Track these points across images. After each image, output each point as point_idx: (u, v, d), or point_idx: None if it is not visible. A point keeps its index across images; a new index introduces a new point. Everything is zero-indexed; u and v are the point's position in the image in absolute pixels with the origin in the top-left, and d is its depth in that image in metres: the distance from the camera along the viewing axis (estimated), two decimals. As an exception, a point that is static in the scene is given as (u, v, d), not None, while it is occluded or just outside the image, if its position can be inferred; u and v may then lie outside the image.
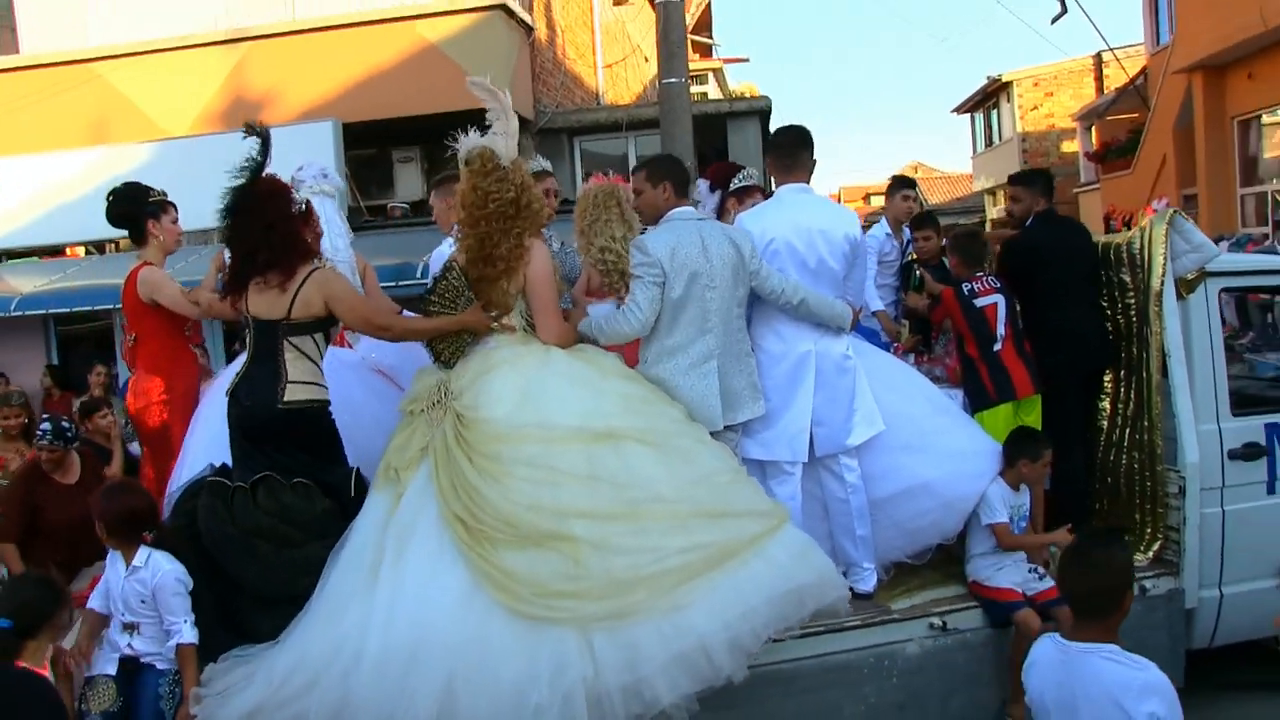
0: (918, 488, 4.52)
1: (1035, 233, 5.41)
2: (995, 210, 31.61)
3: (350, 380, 4.70)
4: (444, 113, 11.49)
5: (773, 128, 14.10)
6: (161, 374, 4.88)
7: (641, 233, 4.55)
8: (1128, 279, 5.07)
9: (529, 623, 3.36)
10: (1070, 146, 27.89)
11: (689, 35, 24.41)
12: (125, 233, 5.12)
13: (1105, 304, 5.22)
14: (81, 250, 13.08)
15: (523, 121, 12.41)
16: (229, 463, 4.17)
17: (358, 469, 4.15)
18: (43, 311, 10.55)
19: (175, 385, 4.90)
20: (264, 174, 4.12)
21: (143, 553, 3.91)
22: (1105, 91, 25.41)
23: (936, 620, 4.46)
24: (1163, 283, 4.84)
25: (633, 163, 12.74)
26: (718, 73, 26.54)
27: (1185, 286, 4.95)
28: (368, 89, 11.61)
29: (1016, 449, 4.64)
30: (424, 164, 12.75)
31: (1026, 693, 3.20)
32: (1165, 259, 4.84)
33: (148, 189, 4.97)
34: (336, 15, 11.96)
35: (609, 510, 3.60)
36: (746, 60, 40.60)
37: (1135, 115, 21.55)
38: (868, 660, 4.31)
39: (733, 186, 5.46)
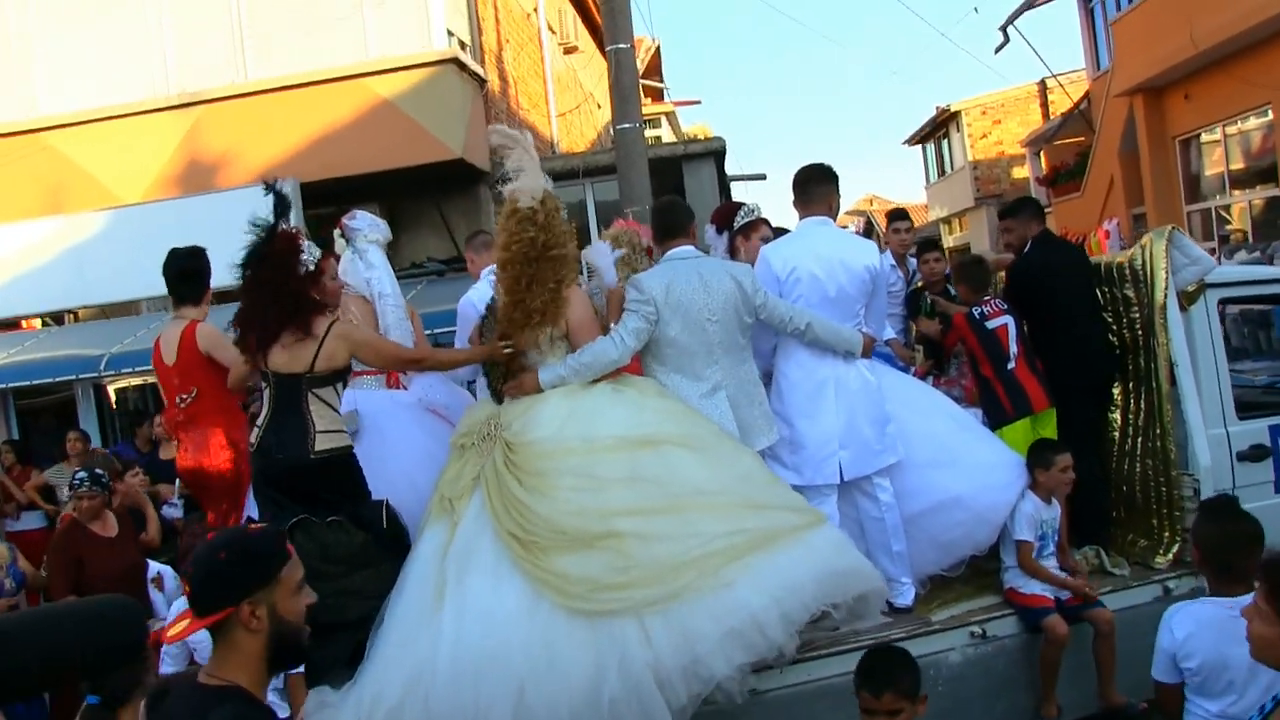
0: (949, 501, 4.66)
1: (1035, 256, 5.56)
2: (951, 239, 31.98)
3: (408, 422, 4.92)
4: (401, 168, 11.62)
5: (728, 168, 14.36)
6: (222, 427, 4.98)
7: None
8: (1131, 294, 5.22)
9: (588, 620, 3.49)
10: (1021, 172, 28.30)
11: (640, 80, 24.76)
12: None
13: (1110, 319, 5.36)
14: (39, 322, 12.91)
15: (479, 173, 12.61)
16: None
17: (387, 501, 4.28)
18: (0, 385, 10.33)
19: (235, 435, 4.98)
20: (280, 232, 4.27)
21: None
22: (1051, 117, 25.91)
23: (976, 629, 4.57)
24: (1166, 296, 5.00)
25: (590, 210, 12.80)
26: (670, 116, 26.83)
27: (1187, 298, 5.17)
28: (324, 147, 11.52)
29: (1030, 460, 4.78)
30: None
31: (1190, 658, 3.27)
32: (1167, 273, 5.01)
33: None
34: (289, 75, 11.87)
35: (653, 506, 3.76)
36: (698, 102, 41.06)
37: (1082, 139, 21.98)
38: None
39: (737, 224, 5.59)
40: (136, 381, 10.88)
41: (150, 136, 12.14)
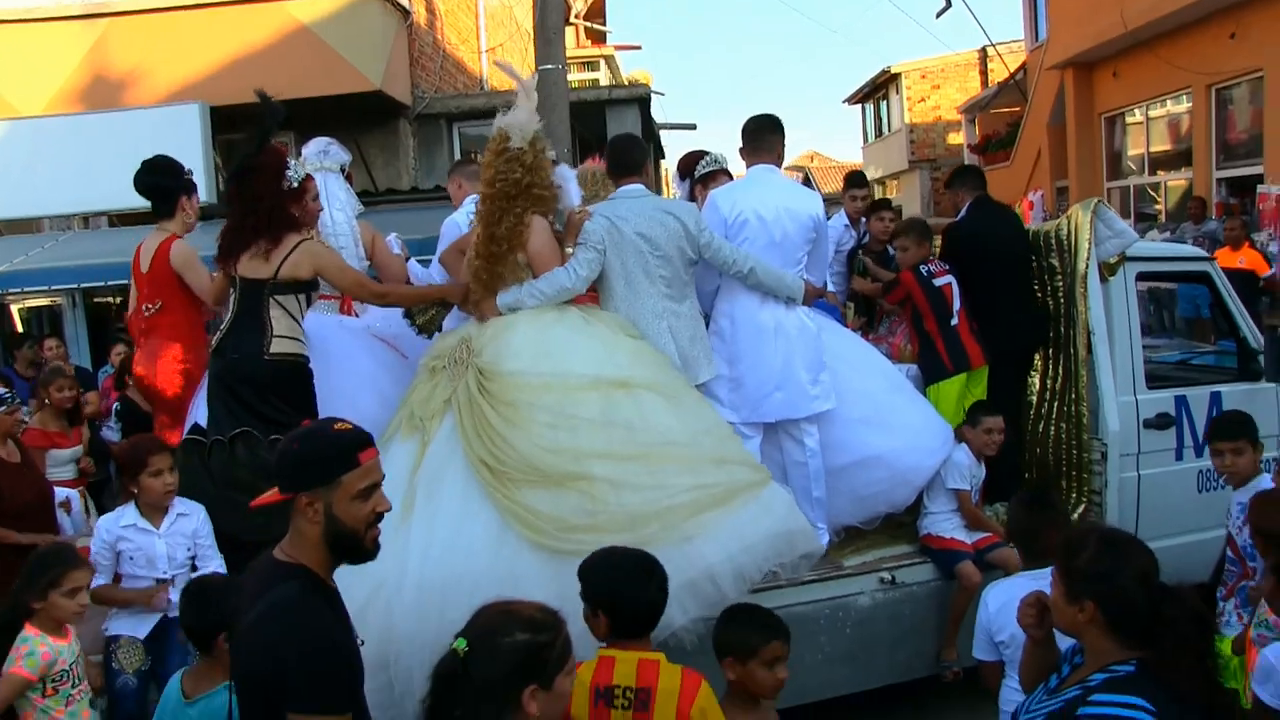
0: (872, 459, 4.80)
1: (973, 220, 5.69)
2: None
3: (354, 347, 5.03)
4: (317, 97, 11.22)
5: (660, 116, 14.22)
6: (182, 343, 4.99)
7: None
8: (1056, 263, 5.37)
9: (555, 557, 3.59)
10: (956, 138, 28.39)
11: (582, 21, 24.28)
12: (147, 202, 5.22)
13: (1036, 286, 5.50)
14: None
15: (399, 107, 12.28)
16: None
17: None
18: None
19: (192, 356, 4.98)
20: (268, 145, 4.48)
21: (179, 500, 4.08)
22: (989, 85, 26.08)
23: (886, 575, 4.74)
24: (1088, 266, 5.15)
25: (513, 149, 12.54)
26: (609, 60, 26.43)
27: (1107, 270, 5.31)
28: (237, 71, 10.98)
29: (965, 417, 5.01)
30: (297, 148, 12.34)
31: (1001, 631, 3.40)
32: (1090, 244, 5.15)
33: (182, 165, 5.16)
34: (204, -8, 11.39)
35: (624, 452, 3.88)
36: (639, 48, 40.55)
37: (1016, 109, 22.16)
38: (823, 612, 4.57)
39: (698, 173, 5.65)
40: (39, 303, 10.43)
41: (54, 47, 11.57)
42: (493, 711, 2.15)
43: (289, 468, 2.43)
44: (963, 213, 5.77)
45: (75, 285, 8.59)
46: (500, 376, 4.02)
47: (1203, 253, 6.51)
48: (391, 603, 3.57)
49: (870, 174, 33.44)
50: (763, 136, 4.99)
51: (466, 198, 5.38)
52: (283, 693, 2.22)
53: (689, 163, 5.86)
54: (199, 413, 4.59)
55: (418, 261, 5.75)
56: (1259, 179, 13.07)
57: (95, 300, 9.61)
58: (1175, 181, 16.13)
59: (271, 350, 4.31)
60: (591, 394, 3.99)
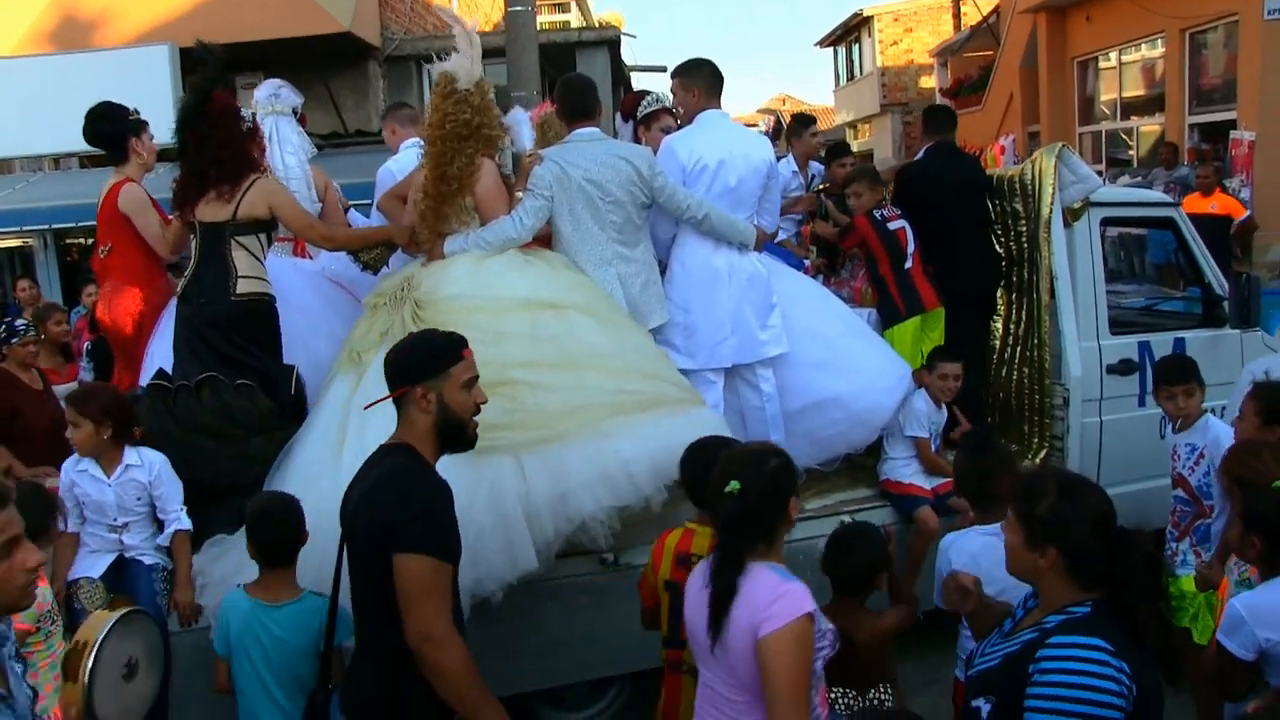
0: (828, 400, 4.83)
1: (930, 163, 5.69)
2: (855, 144, 32.15)
3: (307, 289, 5.03)
4: (286, 38, 11.09)
5: (625, 58, 14.10)
6: (138, 285, 4.96)
7: None
8: (1020, 208, 5.39)
9: (474, 460, 3.59)
10: (928, 82, 28.33)
11: (554, -39, 23.86)
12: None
13: (999, 231, 5.55)
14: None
15: (369, 48, 12.13)
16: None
17: (297, 368, 4.45)
18: None
19: (150, 298, 4.96)
20: (215, 93, 4.40)
21: (131, 451, 3.95)
22: (962, 29, 25.98)
23: (847, 518, 4.67)
24: (1051, 211, 5.17)
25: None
26: (580, 1, 26.12)
27: (1071, 215, 5.31)
28: (205, 12, 10.93)
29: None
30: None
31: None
32: (1054, 189, 5.17)
33: (125, 107, 5.03)
34: (174, -68, 11.18)
35: (548, 361, 3.95)
36: (609, -13, 39.89)
37: (989, 53, 22.12)
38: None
39: (639, 114, 5.59)
40: (10, 243, 10.36)
41: (21, -13, 11.37)
42: (771, 523, 2.76)
43: (406, 364, 2.76)
44: (919, 155, 5.78)
45: (46, 226, 8.57)
46: (434, 304, 4.08)
47: (1167, 198, 6.55)
48: (330, 531, 3.53)
49: (842, 118, 33.31)
50: (717, 81, 4.98)
51: (402, 142, 5.40)
52: (393, 547, 2.53)
53: (631, 104, 5.80)
54: (162, 358, 4.57)
55: (357, 210, 5.76)
56: (1232, 124, 13.13)
57: (67, 241, 9.56)
58: (1148, 127, 16.20)
59: (238, 291, 4.32)
60: (521, 314, 4.06)
